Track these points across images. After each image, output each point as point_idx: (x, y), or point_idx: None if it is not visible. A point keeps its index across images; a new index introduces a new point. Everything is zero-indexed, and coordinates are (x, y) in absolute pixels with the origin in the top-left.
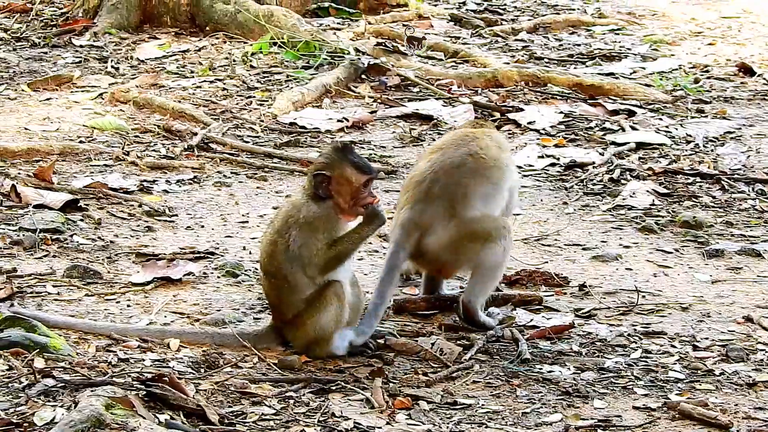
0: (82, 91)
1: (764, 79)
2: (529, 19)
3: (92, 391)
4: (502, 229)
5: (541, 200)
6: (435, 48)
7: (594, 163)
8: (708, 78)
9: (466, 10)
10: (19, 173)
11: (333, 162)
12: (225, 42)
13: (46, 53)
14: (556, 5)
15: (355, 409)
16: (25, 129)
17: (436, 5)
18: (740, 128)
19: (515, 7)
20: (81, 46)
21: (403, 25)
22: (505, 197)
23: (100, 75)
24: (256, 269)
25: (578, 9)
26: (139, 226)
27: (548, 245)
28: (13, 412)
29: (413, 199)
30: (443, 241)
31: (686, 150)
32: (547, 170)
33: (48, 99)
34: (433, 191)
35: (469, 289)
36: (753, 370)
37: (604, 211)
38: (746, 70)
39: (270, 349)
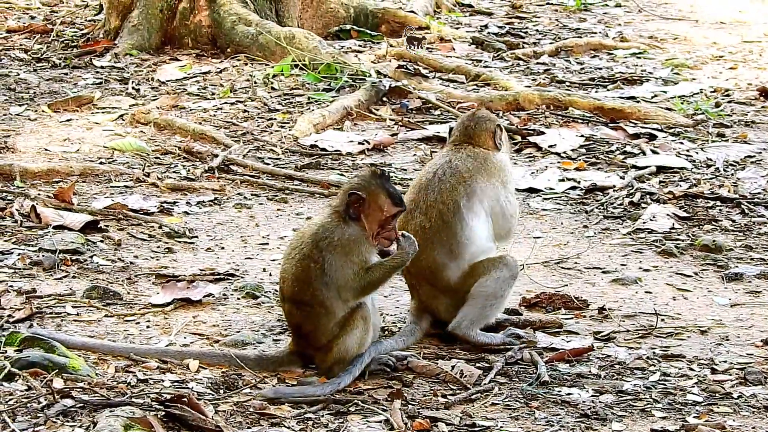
0: (103, 113)
1: None
2: (551, 43)
3: (111, 411)
4: (492, 264)
5: (562, 223)
6: (456, 71)
7: (614, 186)
8: (729, 102)
9: (488, 33)
10: (39, 194)
11: (369, 185)
12: (246, 64)
13: (66, 74)
14: (578, 29)
15: (373, 431)
16: (46, 150)
17: (458, 28)
18: (761, 152)
19: (537, 30)
20: (102, 68)
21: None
22: (477, 224)
23: (121, 96)
24: (276, 291)
25: (600, 33)
26: (159, 247)
27: (568, 268)
28: None
29: (409, 287)
30: (450, 308)
31: (707, 174)
32: (568, 193)
33: (68, 120)
34: (412, 281)
35: (457, 317)
36: None
37: (624, 235)
38: (767, 95)
39: (289, 371)
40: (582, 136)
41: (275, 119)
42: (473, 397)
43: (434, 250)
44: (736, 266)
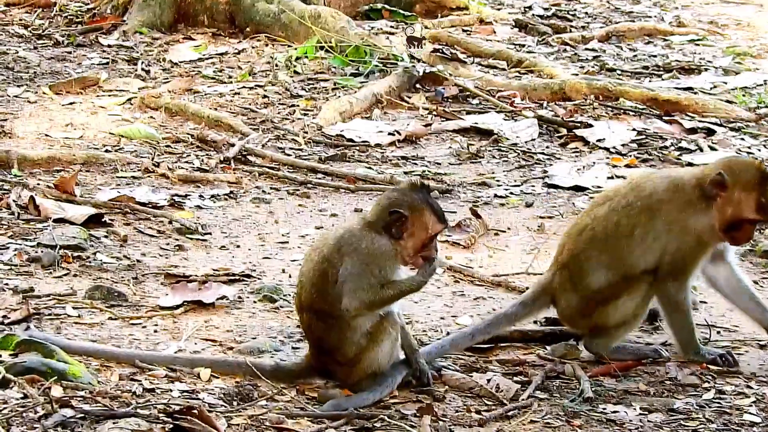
0: (109, 96)
1: None
2: (601, 27)
3: (114, 423)
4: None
5: None
6: (497, 56)
7: None
8: None
9: (532, 15)
10: (38, 184)
11: (412, 202)
12: (267, 45)
13: (70, 53)
14: (631, 12)
15: None
16: (46, 135)
17: (499, 9)
18: None
19: (586, 12)
20: (109, 46)
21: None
22: (642, 255)
23: (129, 78)
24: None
25: (655, 17)
26: (168, 244)
27: None
28: None
29: (553, 261)
30: (565, 312)
31: None
32: None
33: (71, 103)
34: (561, 258)
35: (593, 343)
36: None
37: None
38: None
39: (308, 383)
40: (633, 129)
41: (298, 106)
42: (510, 413)
43: (593, 250)
44: None
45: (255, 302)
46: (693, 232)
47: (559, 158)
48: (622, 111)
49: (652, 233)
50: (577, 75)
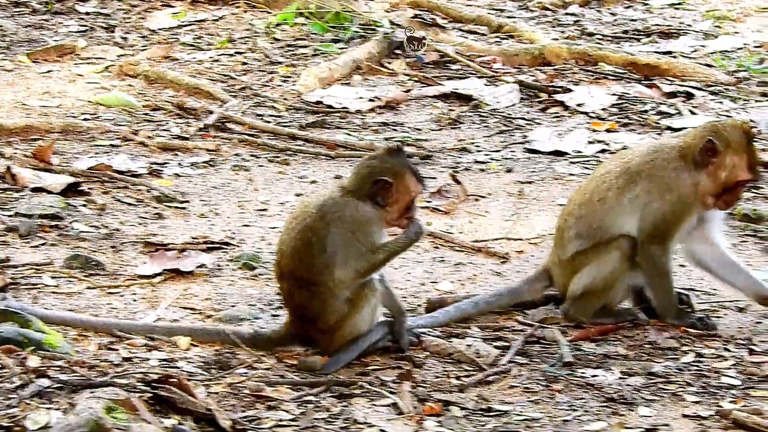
0: (87, 63)
1: None
2: None
3: (91, 392)
4: (598, 255)
5: None
6: (477, 21)
7: None
8: None
9: None
10: (15, 153)
11: (393, 168)
12: (246, 11)
13: (47, 20)
14: None
15: (380, 415)
16: (23, 104)
17: None
18: None
19: None
20: (86, 14)
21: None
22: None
23: (107, 46)
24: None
25: None
26: (147, 212)
27: None
28: (4, 415)
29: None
30: (559, 286)
31: None
32: (597, 157)
33: (49, 71)
34: (554, 235)
35: (571, 309)
36: None
37: None
38: None
39: (288, 351)
40: (613, 94)
41: (277, 73)
42: (489, 378)
43: (570, 218)
44: None
45: (234, 270)
46: (675, 194)
47: (540, 123)
48: (602, 75)
49: (629, 195)
50: (557, 40)
